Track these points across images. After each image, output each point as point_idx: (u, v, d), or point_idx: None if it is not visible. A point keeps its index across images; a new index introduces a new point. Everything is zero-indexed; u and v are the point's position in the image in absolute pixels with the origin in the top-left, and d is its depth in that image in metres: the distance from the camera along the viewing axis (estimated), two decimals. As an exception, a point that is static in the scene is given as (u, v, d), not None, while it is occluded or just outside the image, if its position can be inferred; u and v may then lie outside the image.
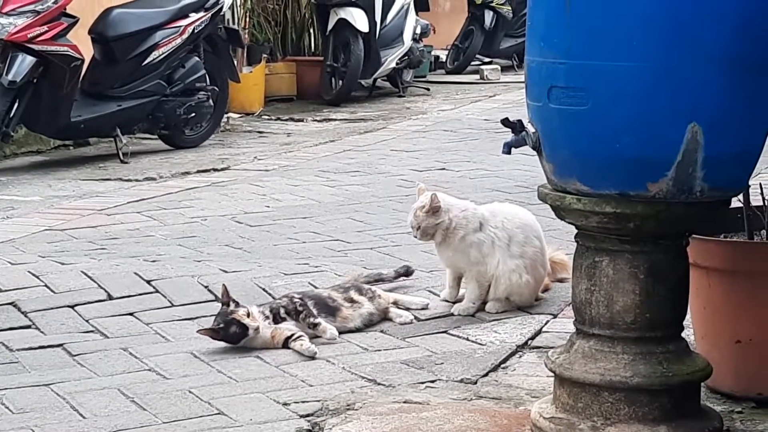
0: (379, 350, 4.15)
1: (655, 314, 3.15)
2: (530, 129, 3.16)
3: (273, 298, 4.60)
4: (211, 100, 9.16)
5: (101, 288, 4.83)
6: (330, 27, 11.83)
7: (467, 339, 4.25)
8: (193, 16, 8.98)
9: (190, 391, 3.77)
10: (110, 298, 4.76)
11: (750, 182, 3.29)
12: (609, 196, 3.06)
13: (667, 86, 2.94)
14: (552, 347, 3.60)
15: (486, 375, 3.89)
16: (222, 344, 4.18)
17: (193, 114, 9.02)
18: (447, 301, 4.61)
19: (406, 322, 4.43)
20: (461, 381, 3.83)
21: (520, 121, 3.19)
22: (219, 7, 9.18)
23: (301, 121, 10.86)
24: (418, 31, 12.66)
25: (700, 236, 3.43)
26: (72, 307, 4.66)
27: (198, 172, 8.04)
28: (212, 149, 9.15)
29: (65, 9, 8.15)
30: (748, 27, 2.94)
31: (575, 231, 3.23)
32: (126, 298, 4.75)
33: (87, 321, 4.53)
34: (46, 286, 4.87)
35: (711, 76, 2.94)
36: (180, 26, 8.87)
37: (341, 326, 4.32)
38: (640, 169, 3.00)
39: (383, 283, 4.74)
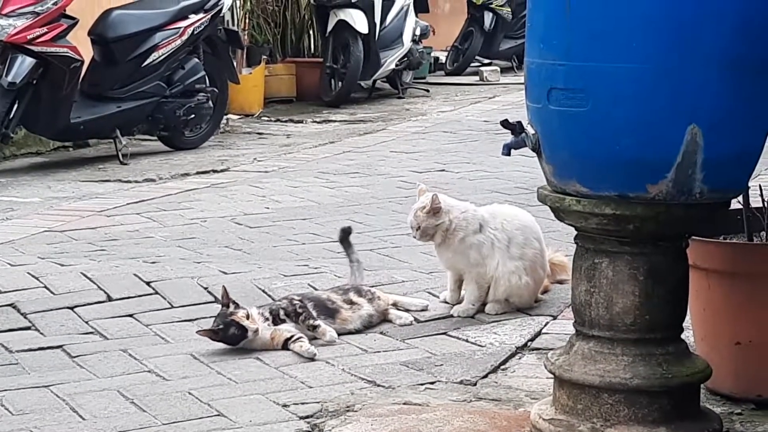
0: (379, 352, 4.15)
1: (654, 316, 3.15)
2: (530, 130, 3.16)
3: (272, 299, 4.60)
4: (210, 102, 9.16)
5: (101, 289, 4.83)
6: (329, 28, 11.83)
7: (467, 340, 4.25)
8: (193, 18, 8.97)
9: (189, 393, 3.77)
10: (110, 299, 4.76)
11: (750, 184, 3.29)
12: (608, 197, 3.05)
13: (667, 88, 2.94)
14: (551, 349, 3.60)
15: (485, 376, 3.89)
16: (221, 346, 4.18)
17: (193, 115, 9.02)
18: (447, 303, 4.61)
19: (406, 324, 4.43)
20: (461, 382, 3.83)
21: (519, 122, 3.19)
22: (219, 8, 9.18)
23: (301, 122, 10.86)
24: (418, 32, 12.66)
25: (699, 238, 3.43)
26: (71, 308, 4.66)
27: (197, 173, 8.04)
28: (212, 150, 9.15)
29: (65, 10, 8.15)
30: (747, 28, 2.94)
31: (575, 232, 3.23)
32: (125, 300, 4.75)
33: (86, 322, 4.53)
34: (45, 287, 4.87)
35: (711, 78, 2.94)
36: (180, 28, 8.87)
37: (341, 328, 4.32)
38: (640, 171, 3.00)
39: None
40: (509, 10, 14.79)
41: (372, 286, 4.62)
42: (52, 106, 8.13)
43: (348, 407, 3.62)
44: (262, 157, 8.73)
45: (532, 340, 4.24)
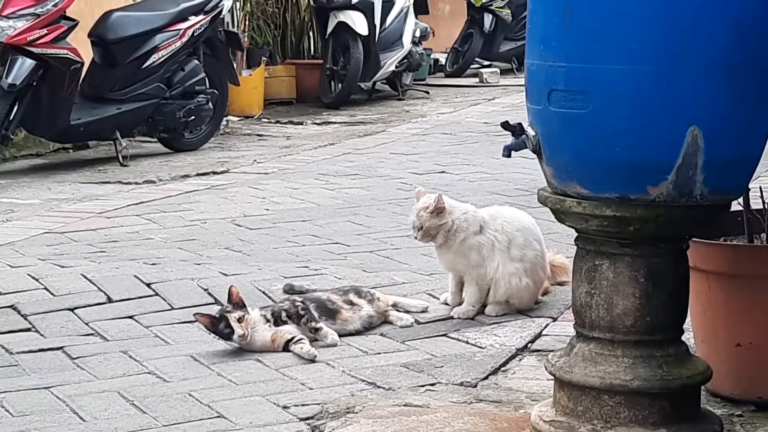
0: (379, 353, 4.15)
1: (655, 318, 3.15)
2: (530, 132, 3.16)
3: (273, 301, 4.60)
4: (210, 103, 9.16)
5: (101, 291, 4.83)
6: (329, 30, 11.84)
7: (467, 342, 4.25)
8: (193, 19, 8.98)
9: (190, 394, 3.77)
10: (110, 301, 4.76)
11: (750, 185, 3.30)
12: (609, 199, 3.05)
13: (667, 89, 2.94)
14: (552, 350, 3.60)
15: (486, 378, 3.89)
16: (222, 347, 4.18)
17: (193, 117, 9.03)
18: (447, 304, 4.61)
19: (407, 325, 4.43)
20: (461, 384, 3.83)
21: (520, 124, 3.19)
22: (219, 10, 9.18)
23: (301, 124, 10.87)
24: (418, 34, 12.67)
25: (700, 240, 3.43)
26: (72, 310, 4.66)
27: (197, 175, 8.04)
28: (212, 152, 9.15)
29: (65, 12, 8.15)
30: (747, 31, 2.94)
31: (575, 234, 3.23)
32: (126, 301, 4.75)
33: (87, 324, 4.53)
34: (45, 288, 4.87)
35: (711, 80, 2.94)
36: (180, 29, 8.87)
37: (341, 328, 4.32)
38: (641, 173, 3.00)
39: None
40: (509, 12, 14.79)
41: (372, 288, 4.62)
42: (52, 107, 8.13)
43: (348, 409, 3.62)
44: (262, 159, 8.73)
45: (532, 341, 4.24)
